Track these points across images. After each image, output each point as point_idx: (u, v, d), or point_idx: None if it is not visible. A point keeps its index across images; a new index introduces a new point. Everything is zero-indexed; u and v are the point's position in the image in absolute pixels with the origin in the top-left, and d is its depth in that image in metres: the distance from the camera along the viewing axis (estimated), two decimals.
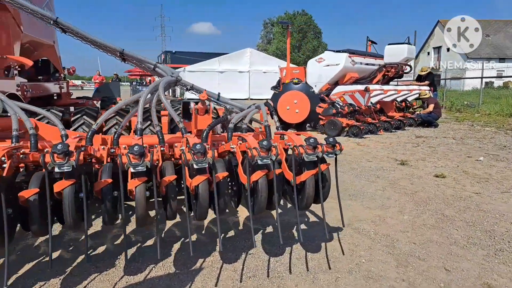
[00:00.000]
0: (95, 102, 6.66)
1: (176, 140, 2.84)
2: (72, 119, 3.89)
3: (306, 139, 2.41)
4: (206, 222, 3.27)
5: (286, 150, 2.65)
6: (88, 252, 2.70)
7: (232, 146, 2.64)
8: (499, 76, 31.75)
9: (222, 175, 2.36)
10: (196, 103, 3.03)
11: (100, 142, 2.88)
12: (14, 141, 2.40)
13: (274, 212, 3.27)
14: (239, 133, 2.83)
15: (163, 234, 3.08)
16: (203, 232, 3.15)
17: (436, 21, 45.71)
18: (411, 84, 12.15)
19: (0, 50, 4.02)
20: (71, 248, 2.82)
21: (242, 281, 2.39)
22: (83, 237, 2.98)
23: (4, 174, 1.98)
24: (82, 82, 59.88)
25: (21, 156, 2.21)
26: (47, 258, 2.62)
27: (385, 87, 10.25)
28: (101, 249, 2.82)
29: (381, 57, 10.93)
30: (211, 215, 2.60)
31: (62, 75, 6.78)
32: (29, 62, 4.14)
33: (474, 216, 3.53)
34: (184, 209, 2.61)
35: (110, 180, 2.17)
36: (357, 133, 8.64)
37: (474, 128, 10.44)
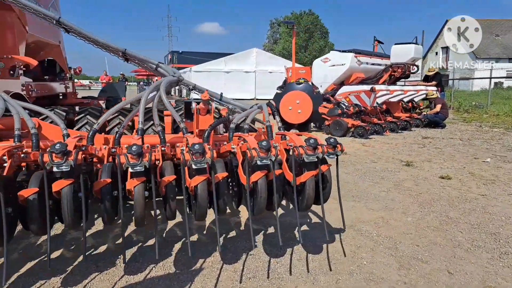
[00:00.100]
0: (100, 102, 6.71)
1: (178, 140, 2.84)
2: (76, 118, 3.91)
3: (306, 139, 2.39)
4: (207, 222, 3.27)
5: (287, 151, 2.63)
6: (87, 253, 2.71)
7: (232, 147, 2.63)
8: (509, 77, 31.38)
9: (222, 176, 2.35)
10: (198, 103, 3.03)
11: (103, 141, 2.89)
12: (16, 140, 2.42)
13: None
14: (239, 133, 2.82)
15: (164, 234, 3.09)
16: (204, 232, 3.14)
17: (444, 21, 45.33)
18: (418, 85, 12.04)
19: (5, 50, 4.06)
20: (72, 247, 2.83)
21: (242, 282, 2.38)
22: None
23: (4, 173, 2.00)
24: (90, 82, 60.43)
25: (22, 155, 2.23)
26: None
27: (391, 87, 10.18)
28: (102, 248, 2.82)
29: (388, 57, 10.86)
30: (212, 215, 2.59)
31: (68, 75, 6.84)
32: (33, 62, 4.17)
33: (479, 219, 3.48)
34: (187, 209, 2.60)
35: (109, 180, 2.17)
36: (362, 133, 8.59)
37: (482, 129, 10.32)
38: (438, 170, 5.43)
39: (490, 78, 18.45)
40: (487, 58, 36.62)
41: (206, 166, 2.17)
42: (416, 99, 11.53)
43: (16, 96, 3.98)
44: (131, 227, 3.16)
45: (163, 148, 2.59)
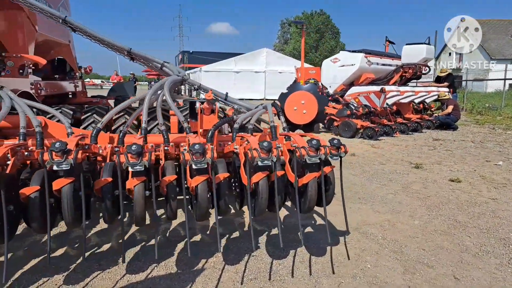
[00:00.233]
0: (109, 101, 6.77)
1: (183, 139, 2.83)
2: (83, 117, 3.94)
3: (308, 140, 2.35)
4: (211, 222, 3.25)
5: (291, 152, 2.60)
6: (90, 251, 2.73)
7: (235, 147, 2.61)
8: None
9: (223, 176, 2.33)
10: (202, 102, 3.02)
11: (108, 140, 2.90)
12: (21, 138, 2.44)
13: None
14: (242, 133, 2.80)
15: (167, 234, 3.08)
16: (208, 232, 3.13)
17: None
18: (429, 86, 11.86)
19: (15, 49, 4.11)
20: (76, 245, 2.84)
21: (243, 283, 2.36)
22: (88, 234, 3.01)
23: (7, 171, 2.01)
24: (102, 81, 61.16)
25: (26, 153, 2.24)
26: (52, 255, 2.66)
27: (402, 88, 10.03)
28: (105, 246, 2.83)
29: (399, 57, 10.70)
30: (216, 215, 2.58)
31: (77, 74, 6.91)
32: (42, 61, 4.22)
33: (488, 223, 3.40)
34: (188, 209, 2.59)
35: (110, 179, 2.17)
36: (371, 135, 8.49)
37: (495, 132, 10.11)
38: (448, 172, 5.33)
39: (505, 79, 18.04)
40: (503, 59, 35.91)
41: (206, 166, 2.16)
42: (427, 100, 11.35)
43: (25, 94, 4.04)
44: (135, 226, 3.17)
45: (166, 148, 2.58)
